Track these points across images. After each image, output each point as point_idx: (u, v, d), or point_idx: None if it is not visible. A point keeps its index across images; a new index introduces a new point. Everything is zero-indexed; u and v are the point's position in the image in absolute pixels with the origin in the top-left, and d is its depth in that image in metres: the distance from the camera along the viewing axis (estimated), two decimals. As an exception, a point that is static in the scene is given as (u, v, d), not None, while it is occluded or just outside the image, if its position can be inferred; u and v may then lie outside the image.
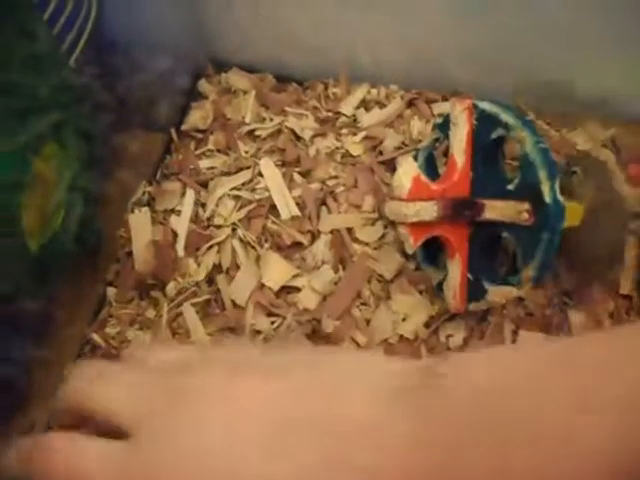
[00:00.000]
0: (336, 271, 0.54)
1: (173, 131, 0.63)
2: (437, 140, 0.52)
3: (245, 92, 0.65)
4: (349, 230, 0.56)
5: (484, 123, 0.46)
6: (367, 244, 0.55)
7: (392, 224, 0.53)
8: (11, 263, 0.48)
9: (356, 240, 0.56)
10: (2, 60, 0.44)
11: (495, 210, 0.45)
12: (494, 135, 0.46)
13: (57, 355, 0.54)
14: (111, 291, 0.55)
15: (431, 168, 0.53)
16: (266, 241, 0.56)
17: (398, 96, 0.64)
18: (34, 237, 0.49)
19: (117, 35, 0.66)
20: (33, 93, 0.49)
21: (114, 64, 0.66)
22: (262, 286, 0.53)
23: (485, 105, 0.47)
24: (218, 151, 0.62)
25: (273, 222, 0.56)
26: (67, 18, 0.55)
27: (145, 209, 0.56)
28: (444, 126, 0.50)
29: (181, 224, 0.56)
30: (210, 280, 0.55)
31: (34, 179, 0.49)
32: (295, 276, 0.54)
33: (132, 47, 0.67)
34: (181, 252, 0.55)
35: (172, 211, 0.57)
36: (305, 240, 0.55)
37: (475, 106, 0.47)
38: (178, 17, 0.65)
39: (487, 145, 0.47)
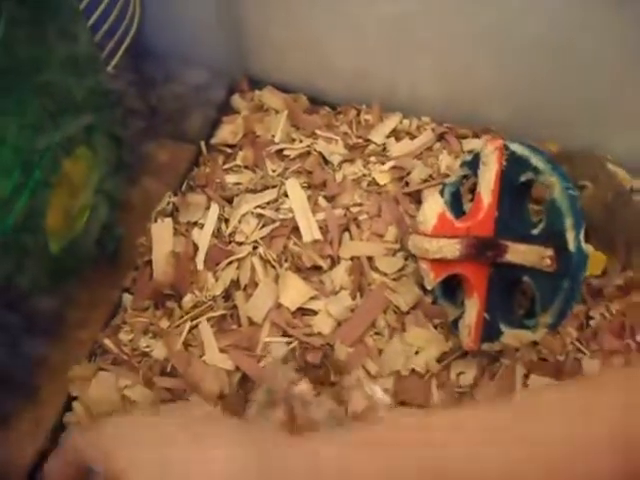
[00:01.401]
0: (353, 298, 0.56)
1: (202, 144, 0.65)
2: (465, 177, 0.54)
3: (277, 111, 0.67)
4: (369, 258, 0.57)
5: (514, 165, 0.48)
6: (386, 274, 0.57)
7: (413, 257, 0.55)
8: (31, 260, 0.50)
9: (376, 269, 0.57)
10: (41, 60, 0.46)
11: (518, 253, 0.46)
12: (523, 178, 0.48)
13: (66, 355, 0.56)
14: (127, 298, 0.57)
15: (456, 204, 0.55)
16: (286, 261, 0.57)
17: (429, 128, 0.66)
18: (56, 237, 0.51)
19: (155, 45, 0.68)
20: (69, 94, 0.51)
21: (150, 73, 0.69)
22: (279, 305, 0.55)
23: (516, 147, 0.48)
24: (245, 167, 0.64)
25: (295, 243, 0.58)
26: (110, 26, 0.58)
27: (168, 220, 0.58)
28: (473, 163, 0.51)
29: (203, 238, 0.58)
30: (227, 295, 0.56)
31: (62, 179, 0.51)
32: (312, 298, 0.55)
33: (169, 58, 0.69)
34: (200, 265, 0.57)
35: (195, 224, 0.59)
36: (325, 264, 0.57)
37: (506, 147, 0.48)
38: (217, 32, 0.68)
39: (515, 187, 0.48)
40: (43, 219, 0.49)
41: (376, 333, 0.55)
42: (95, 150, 0.54)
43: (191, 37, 0.68)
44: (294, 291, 0.55)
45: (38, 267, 0.51)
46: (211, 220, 0.58)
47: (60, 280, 0.53)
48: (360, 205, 0.60)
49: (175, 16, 0.66)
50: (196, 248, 0.57)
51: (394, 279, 0.57)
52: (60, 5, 0.46)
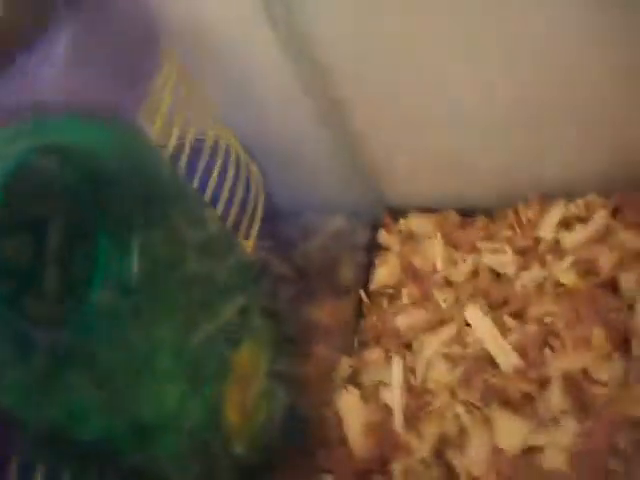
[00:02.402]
0: (579, 421, 0.49)
1: (362, 292, 0.63)
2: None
3: (429, 236, 0.64)
4: (583, 371, 0.51)
5: None
6: (607, 384, 0.50)
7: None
8: (216, 465, 0.48)
9: (594, 381, 0.51)
10: (178, 257, 0.45)
11: None
12: None
13: None
14: (327, 479, 0.54)
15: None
16: (491, 399, 0.52)
17: (600, 206, 0.60)
18: (239, 436, 0.49)
19: (285, 204, 0.68)
20: (212, 280, 0.50)
21: (287, 234, 0.68)
22: (499, 451, 0.50)
23: None
24: (413, 305, 0.61)
25: (494, 376, 0.53)
26: (241, 202, 0.57)
27: (354, 389, 0.55)
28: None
29: (394, 397, 0.54)
30: (438, 453, 0.52)
31: (233, 374, 0.50)
32: (533, 433, 0.50)
33: (302, 213, 0.69)
34: (399, 428, 0.53)
35: (380, 383, 0.56)
36: (534, 390, 0.51)
37: None
38: (342, 176, 0.67)
39: None
40: (222, 421, 0.47)
41: (618, 457, 0.47)
42: (254, 332, 0.53)
43: (318, 186, 0.67)
44: (510, 431, 0.50)
45: (226, 471, 0.49)
46: (397, 376, 0.55)
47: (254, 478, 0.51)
48: (552, 314, 0.54)
49: (296, 170, 0.66)
50: (389, 410, 0.54)
51: (619, 387, 0.50)
52: (184, 198, 0.46)
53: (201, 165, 0.49)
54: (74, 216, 0.40)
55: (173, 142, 0.45)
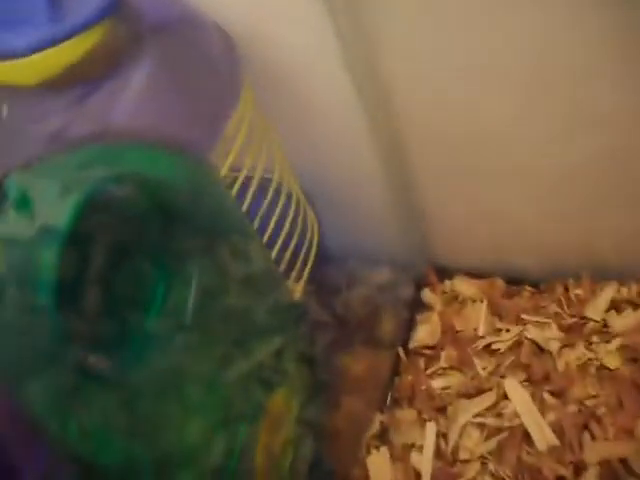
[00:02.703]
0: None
1: (400, 349, 0.62)
2: None
3: (474, 300, 0.63)
4: (622, 461, 0.50)
5: None
6: (646, 478, 0.49)
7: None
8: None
9: (633, 473, 0.49)
10: (221, 287, 0.44)
11: None
12: None
13: None
14: None
15: None
16: (523, 477, 0.51)
17: (653, 291, 0.59)
18: None
19: (333, 249, 0.67)
20: (251, 318, 0.49)
21: (331, 279, 0.67)
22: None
23: None
24: (451, 368, 0.60)
25: (528, 453, 0.52)
26: (296, 245, 0.57)
27: (384, 449, 0.54)
28: None
29: (424, 463, 0.53)
30: (462, 526, 0.50)
31: (264, 416, 0.49)
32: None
33: (348, 259, 0.68)
34: (427, 496, 0.51)
35: (412, 446, 0.54)
36: (569, 474, 0.50)
37: None
38: (394, 225, 0.66)
39: None
40: (250, 463, 0.47)
41: None
42: (288, 375, 0.52)
43: (368, 232, 0.66)
44: None
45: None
46: (429, 442, 0.54)
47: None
48: (595, 397, 0.53)
49: (348, 216, 0.65)
50: (418, 474, 0.52)
51: (657, 482, 0.48)
52: (239, 232, 0.45)
53: (264, 204, 0.48)
54: (140, 245, 0.40)
55: (240, 180, 0.44)
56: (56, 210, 0.30)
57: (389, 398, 0.60)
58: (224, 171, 0.43)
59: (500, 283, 0.64)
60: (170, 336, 0.41)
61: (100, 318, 0.39)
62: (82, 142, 0.36)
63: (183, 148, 0.41)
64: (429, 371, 0.60)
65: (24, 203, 0.30)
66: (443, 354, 0.60)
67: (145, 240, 0.39)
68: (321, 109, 0.56)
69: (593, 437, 0.52)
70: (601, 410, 0.53)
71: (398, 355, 0.62)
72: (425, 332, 0.62)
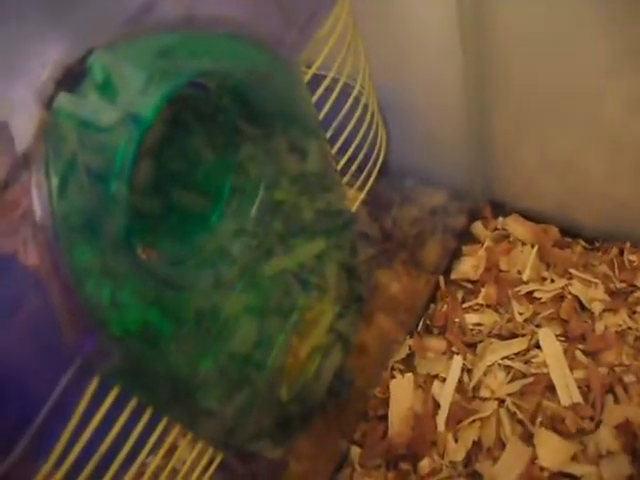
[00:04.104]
0: (625, 464, 0.48)
1: (441, 277, 0.60)
2: None
3: (524, 243, 0.61)
4: (640, 428, 0.49)
5: None
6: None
7: None
8: (262, 405, 0.47)
9: (648, 441, 0.49)
10: (272, 178, 0.43)
11: None
12: None
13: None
14: (355, 451, 0.54)
15: None
16: (540, 421, 0.51)
17: None
18: (285, 381, 0.48)
19: (393, 164, 0.65)
20: (299, 216, 0.48)
21: (385, 193, 0.65)
22: (533, 467, 0.49)
23: None
24: (488, 307, 0.59)
25: (549, 401, 0.51)
26: (365, 155, 0.55)
27: (409, 376, 0.54)
28: None
29: (445, 395, 0.53)
30: (468, 461, 0.50)
31: (298, 317, 0.49)
32: (575, 460, 0.49)
33: (405, 176, 0.66)
34: (441, 426, 0.52)
35: (435, 377, 0.54)
36: (587, 426, 0.50)
37: None
38: (462, 150, 0.63)
39: None
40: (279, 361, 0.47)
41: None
42: (329, 282, 0.51)
43: (433, 154, 0.64)
44: (553, 449, 0.50)
45: (266, 415, 0.48)
46: (454, 375, 0.54)
47: (286, 429, 0.50)
48: (627, 366, 0.52)
49: (417, 131, 0.63)
50: (437, 405, 0.53)
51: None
52: (293, 122, 0.44)
53: (342, 111, 0.46)
54: (214, 141, 0.39)
55: (326, 83, 0.42)
56: (140, 100, 0.28)
57: (421, 324, 0.59)
58: (312, 71, 0.41)
59: (554, 231, 0.62)
60: (229, 239, 0.40)
61: (163, 211, 0.38)
62: (168, 25, 0.33)
63: (267, 41, 0.38)
64: (465, 305, 0.59)
65: (107, 87, 0.28)
66: (483, 291, 0.60)
67: (219, 137, 0.38)
68: (416, 24, 0.53)
69: (617, 401, 0.52)
70: (630, 378, 0.53)
71: (438, 283, 0.62)
72: (469, 265, 0.61)
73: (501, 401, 0.53)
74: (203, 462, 0.43)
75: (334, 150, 0.49)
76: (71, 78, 0.29)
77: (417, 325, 0.59)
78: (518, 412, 0.52)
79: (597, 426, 0.50)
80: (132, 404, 0.34)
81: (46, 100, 0.29)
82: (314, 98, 0.44)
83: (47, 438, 0.29)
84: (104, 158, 0.29)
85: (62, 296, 0.31)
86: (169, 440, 0.38)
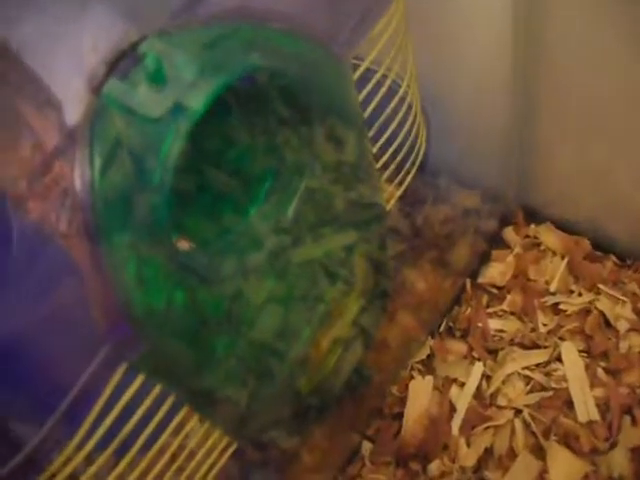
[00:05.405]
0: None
1: (468, 280, 0.60)
2: None
3: (555, 253, 0.60)
4: (654, 453, 0.49)
5: None
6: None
7: None
8: (280, 400, 0.47)
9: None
10: (305, 164, 0.42)
11: None
12: None
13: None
14: (367, 446, 0.54)
15: None
16: (555, 435, 0.50)
17: None
18: (304, 372, 0.47)
19: (429, 161, 0.64)
20: (330, 206, 0.47)
21: (419, 190, 0.64)
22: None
23: None
24: (512, 314, 0.58)
25: (565, 416, 0.51)
26: (406, 153, 0.54)
27: (429, 378, 0.53)
28: None
29: (462, 400, 0.53)
30: (478, 468, 0.50)
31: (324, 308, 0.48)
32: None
33: (440, 176, 0.65)
34: (455, 430, 0.52)
35: (454, 380, 0.54)
36: (601, 446, 0.49)
37: None
38: (497, 155, 0.62)
39: None
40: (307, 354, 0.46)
41: None
42: (353, 273, 0.50)
43: (470, 154, 0.62)
44: (564, 465, 0.49)
45: (286, 403, 0.48)
46: (473, 381, 0.53)
47: (302, 420, 0.50)
48: (648, 387, 0.51)
49: (457, 130, 0.62)
50: (453, 409, 0.52)
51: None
52: (333, 111, 0.43)
53: (388, 109, 0.45)
54: (251, 125, 0.38)
55: (373, 81, 0.41)
56: (191, 93, 0.27)
57: (443, 325, 0.59)
58: (362, 69, 0.40)
59: (586, 244, 0.61)
60: (266, 237, 0.39)
61: (195, 191, 0.38)
62: (220, 16, 0.33)
63: (320, 38, 0.37)
64: (490, 310, 0.59)
65: (158, 76, 0.27)
66: (508, 297, 0.59)
67: (256, 118, 0.37)
68: (467, 23, 0.52)
69: (634, 423, 0.51)
70: (650, 401, 0.51)
71: (464, 285, 0.61)
72: (497, 270, 0.60)
73: (517, 411, 0.52)
74: (220, 447, 0.43)
75: (376, 146, 0.49)
76: (122, 63, 0.28)
77: (439, 326, 0.59)
78: (533, 424, 0.51)
79: (612, 447, 0.50)
80: (155, 392, 0.33)
81: (96, 84, 0.28)
82: (361, 94, 0.43)
83: (72, 421, 0.29)
84: (150, 148, 0.28)
85: (97, 279, 0.30)
86: (188, 425, 0.38)
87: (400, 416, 0.53)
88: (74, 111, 0.28)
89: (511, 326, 0.57)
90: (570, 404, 0.52)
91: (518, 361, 0.54)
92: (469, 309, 0.59)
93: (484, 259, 0.62)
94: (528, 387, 0.53)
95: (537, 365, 0.54)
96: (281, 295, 0.44)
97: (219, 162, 0.40)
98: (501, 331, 0.57)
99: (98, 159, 0.29)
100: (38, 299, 0.29)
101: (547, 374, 0.53)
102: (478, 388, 0.54)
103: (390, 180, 0.52)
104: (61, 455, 0.29)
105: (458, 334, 0.58)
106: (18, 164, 0.30)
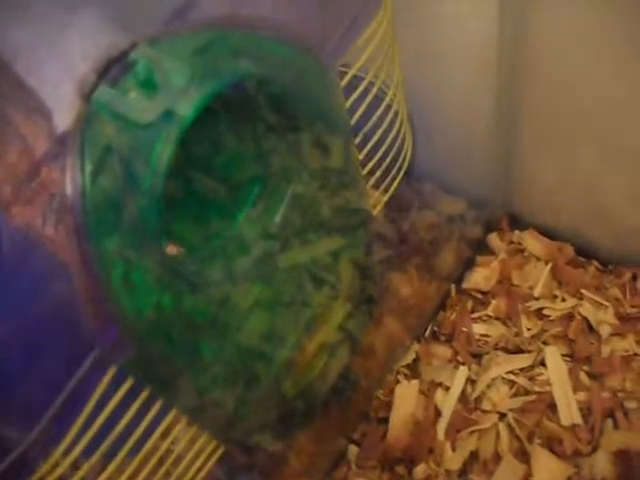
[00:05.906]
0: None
1: (453, 286, 0.60)
2: None
3: (538, 259, 0.61)
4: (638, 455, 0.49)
5: None
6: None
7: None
8: (266, 404, 0.47)
9: (644, 470, 0.49)
10: (292, 170, 0.43)
11: None
12: None
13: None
14: (353, 450, 0.54)
15: None
16: (539, 438, 0.50)
17: None
18: (290, 377, 0.48)
19: (416, 166, 0.64)
20: (316, 211, 0.47)
21: (405, 196, 0.65)
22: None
23: None
24: (497, 319, 0.59)
25: (549, 421, 0.51)
26: (392, 159, 0.54)
27: (415, 382, 0.54)
28: None
29: (447, 404, 0.53)
30: (464, 471, 0.50)
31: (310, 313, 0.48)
32: (570, 480, 0.49)
33: (425, 182, 0.65)
34: (441, 434, 0.52)
35: (439, 385, 0.54)
36: (584, 449, 0.50)
37: None
38: (482, 162, 0.63)
39: None
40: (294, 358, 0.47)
41: None
42: (339, 279, 0.51)
43: (455, 161, 0.63)
44: (548, 470, 0.49)
45: (272, 407, 0.48)
46: (458, 384, 0.53)
47: (287, 425, 0.50)
48: (630, 392, 0.52)
49: (442, 137, 0.62)
50: (438, 413, 0.53)
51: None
52: (320, 118, 0.43)
53: (374, 117, 0.46)
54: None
55: (360, 89, 0.42)
56: (181, 100, 0.28)
57: (428, 330, 0.59)
58: (349, 76, 0.40)
59: (569, 250, 0.62)
60: (253, 242, 0.39)
61: (183, 196, 0.38)
62: (210, 23, 0.33)
63: (308, 46, 0.38)
64: (474, 315, 0.59)
65: (149, 83, 0.28)
66: (493, 302, 0.60)
67: (242, 124, 0.37)
68: (453, 30, 0.52)
69: (616, 426, 0.52)
70: (632, 404, 0.52)
71: (449, 290, 0.61)
72: (481, 276, 0.61)
73: (502, 415, 0.53)
74: (207, 451, 0.43)
75: (363, 153, 0.49)
76: (113, 71, 0.29)
77: (425, 331, 0.59)
78: (517, 428, 0.52)
79: (594, 450, 0.50)
80: (144, 395, 0.33)
81: (86, 91, 0.28)
82: (348, 102, 0.43)
83: (60, 425, 0.29)
84: (140, 153, 0.28)
85: (86, 283, 0.31)
86: (175, 429, 0.38)
87: (386, 420, 0.53)
88: (65, 117, 0.29)
89: (495, 331, 0.58)
90: (553, 408, 0.52)
91: (502, 365, 0.55)
92: (454, 314, 0.59)
93: (469, 265, 0.62)
94: (512, 391, 0.53)
95: (521, 369, 0.55)
96: (268, 300, 0.44)
97: (207, 168, 0.41)
98: (486, 336, 0.58)
99: (89, 165, 0.29)
100: (26, 303, 0.29)
101: (531, 378, 0.54)
102: (463, 392, 0.54)
103: (376, 186, 0.52)
104: (49, 458, 0.29)
105: (443, 339, 0.58)
106: (4, 170, 0.30)
